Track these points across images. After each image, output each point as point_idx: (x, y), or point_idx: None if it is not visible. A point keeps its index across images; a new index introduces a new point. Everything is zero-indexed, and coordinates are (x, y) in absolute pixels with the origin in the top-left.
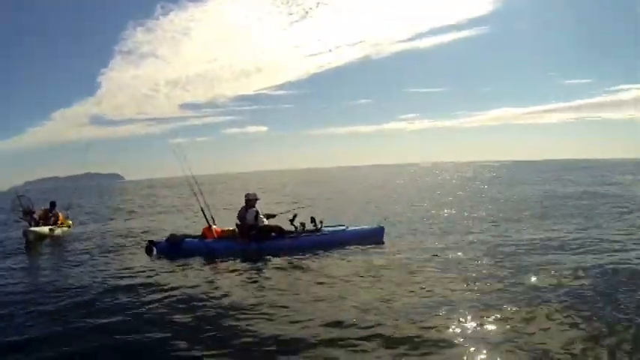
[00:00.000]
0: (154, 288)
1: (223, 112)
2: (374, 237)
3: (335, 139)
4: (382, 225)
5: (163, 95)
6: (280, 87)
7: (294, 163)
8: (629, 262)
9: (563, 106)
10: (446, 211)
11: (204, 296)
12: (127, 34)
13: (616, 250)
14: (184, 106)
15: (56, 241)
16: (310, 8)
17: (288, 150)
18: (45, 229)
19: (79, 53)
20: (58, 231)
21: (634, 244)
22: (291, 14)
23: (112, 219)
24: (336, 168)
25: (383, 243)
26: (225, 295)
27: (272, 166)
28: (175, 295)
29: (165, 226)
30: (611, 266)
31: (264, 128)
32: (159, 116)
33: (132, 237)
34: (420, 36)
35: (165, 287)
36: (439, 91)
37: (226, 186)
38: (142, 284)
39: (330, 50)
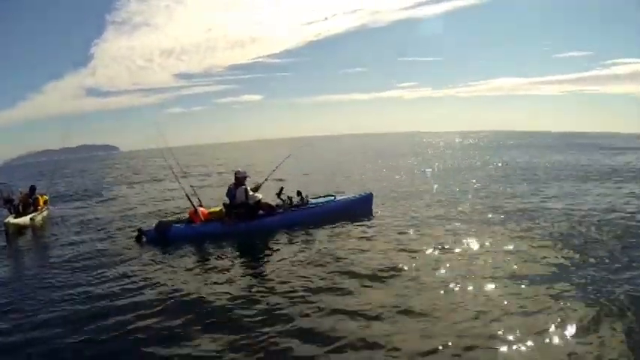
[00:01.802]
0: (143, 282)
1: (218, 82)
2: (363, 204)
3: (331, 106)
4: (370, 192)
5: (158, 65)
6: (276, 55)
7: (289, 132)
8: None
9: (561, 79)
10: (436, 181)
11: (193, 286)
12: (120, 4)
13: None
14: (179, 76)
15: (36, 231)
16: None
17: (283, 118)
18: (26, 219)
19: (71, 24)
20: (38, 218)
21: None
22: None
23: (98, 196)
24: (332, 136)
25: (371, 210)
26: (214, 284)
27: (267, 135)
28: (165, 289)
29: (158, 200)
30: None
31: (258, 97)
32: (154, 86)
33: (119, 221)
34: (418, 4)
35: (155, 281)
36: (437, 61)
37: (217, 155)
38: (131, 278)
39: (326, 18)
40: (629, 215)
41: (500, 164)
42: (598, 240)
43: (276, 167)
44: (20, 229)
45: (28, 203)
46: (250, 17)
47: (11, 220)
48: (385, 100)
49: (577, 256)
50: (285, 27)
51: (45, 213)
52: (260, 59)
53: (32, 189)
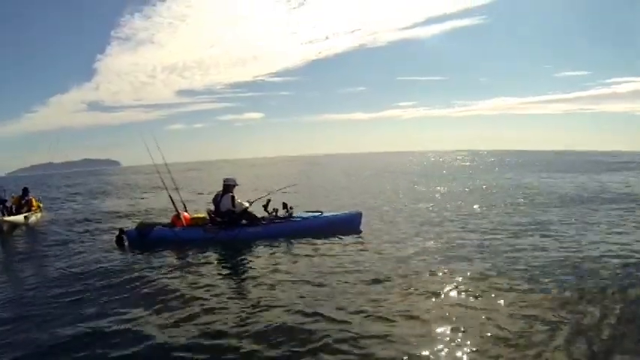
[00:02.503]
0: (121, 281)
1: (220, 99)
2: (351, 223)
3: (331, 125)
4: (360, 211)
5: (160, 81)
6: (276, 74)
7: (289, 150)
8: None
9: (559, 98)
10: (431, 201)
11: (169, 289)
12: (124, 21)
13: None
14: (181, 93)
15: (30, 230)
16: None
17: (284, 136)
18: (20, 217)
19: (76, 39)
20: (32, 218)
21: None
22: (288, 1)
23: (91, 202)
24: (332, 155)
25: (359, 229)
26: (189, 288)
27: (268, 153)
28: (140, 290)
29: (144, 208)
30: None
31: (260, 115)
32: (156, 102)
33: (106, 223)
34: (417, 25)
35: (132, 280)
36: (435, 80)
37: (215, 172)
38: (110, 277)
39: (327, 37)
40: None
41: (504, 187)
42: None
43: (271, 192)
44: (14, 227)
45: (21, 204)
46: (252, 35)
47: (5, 217)
48: (384, 119)
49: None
50: (285, 45)
51: (39, 215)
52: (261, 77)
53: (25, 191)
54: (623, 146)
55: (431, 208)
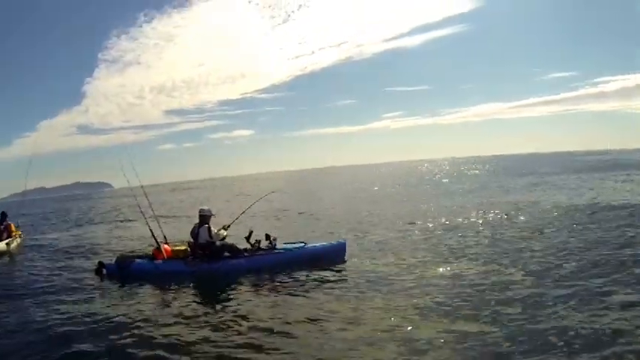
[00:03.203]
0: (97, 318)
1: (209, 117)
2: (335, 253)
3: (320, 140)
4: (344, 240)
5: (149, 102)
6: (264, 90)
7: (280, 166)
8: None
9: (546, 100)
10: (419, 219)
11: (147, 327)
12: (111, 43)
13: None
14: (170, 113)
15: (10, 258)
16: (292, 11)
17: (274, 153)
18: (2, 244)
19: (63, 63)
20: (13, 244)
21: None
22: (273, 17)
23: (75, 229)
24: (321, 169)
25: (345, 260)
26: (167, 327)
27: (259, 169)
28: (117, 327)
29: (128, 236)
30: None
31: (249, 132)
32: (145, 123)
33: (86, 253)
34: (401, 35)
35: (109, 317)
36: (422, 89)
37: (205, 192)
38: (87, 313)
39: (313, 52)
40: None
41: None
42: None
43: (244, 211)
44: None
45: (1, 230)
46: (240, 53)
47: None
48: (372, 130)
49: None
50: (272, 62)
51: (19, 240)
52: (249, 94)
53: (3, 215)
54: (612, 144)
55: (419, 228)
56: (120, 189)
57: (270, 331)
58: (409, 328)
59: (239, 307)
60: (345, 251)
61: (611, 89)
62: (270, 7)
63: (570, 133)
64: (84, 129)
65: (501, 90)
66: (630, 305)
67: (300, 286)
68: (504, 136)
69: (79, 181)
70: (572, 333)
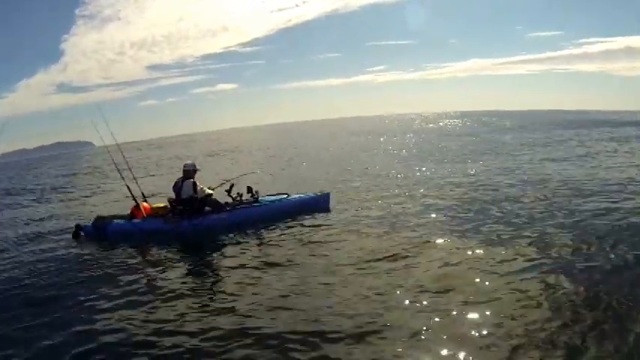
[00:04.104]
0: (74, 283)
1: (192, 72)
2: (319, 204)
3: (304, 92)
4: (328, 192)
5: (129, 58)
6: (248, 44)
7: (264, 119)
8: None
9: (531, 58)
10: (400, 169)
11: (126, 287)
12: None
13: None
14: (152, 68)
15: None
16: None
17: (259, 106)
18: None
19: (39, 20)
20: None
21: None
22: None
23: (49, 193)
24: (306, 122)
25: (329, 210)
26: (148, 285)
27: (245, 123)
28: (94, 293)
29: (108, 197)
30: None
31: (233, 86)
32: (126, 79)
33: (64, 217)
34: None
35: (86, 282)
36: (407, 44)
37: (191, 146)
38: (64, 279)
39: (297, 5)
40: None
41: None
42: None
43: (236, 177)
44: None
45: None
46: (220, 6)
47: None
48: (357, 84)
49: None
50: (254, 15)
51: None
52: (232, 48)
53: None
54: (594, 105)
55: (402, 176)
56: (100, 147)
57: (254, 289)
58: (397, 280)
59: (221, 265)
60: (329, 202)
61: (595, 51)
62: None
63: (553, 92)
64: (63, 87)
65: (486, 47)
66: None
67: (285, 239)
68: (489, 93)
69: (60, 141)
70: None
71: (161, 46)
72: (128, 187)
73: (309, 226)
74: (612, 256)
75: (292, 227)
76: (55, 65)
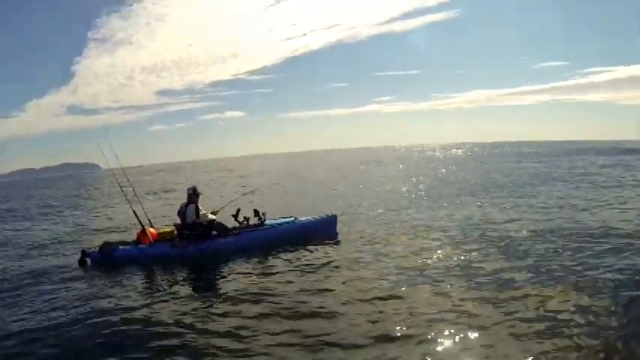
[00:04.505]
0: (84, 310)
1: (200, 98)
2: (326, 227)
3: (311, 122)
4: (334, 214)
5: (139, 82)
6: (256, 72)
7: (271, 147)
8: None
9: (537, 89)
10: (404, 194)
11: (135, 317)
12: (101, 22)
13: None
14: (161, 93)
15: None
16: None
17: (265, 134)
18: None
19: (52, 42)
20: None
21: None
22: None
23: (58, 216)
24: (311, 151)
25: (336, 233)
26: (154, 314)
27: (250, 151)
28: (105, 315)
29: (113, 221)
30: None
31: (241, 113)
32: (135, 104)
33: (69, 242)
34: (394, 20)
35: (96, 309)
36: (413, 74)
37: (196, 173)
38: (73, 306)
39: (305, 34)
40: None
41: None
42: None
43: (236, 198)
44: None
45: None
46: (230, 33)
47: None
48: (365, 114)
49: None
50: (263, 43)
51: None
52: (240, 75)
53: None
54: (601, 135)
55: (399, 202)
56: (106, 170)
57: (262, 313)
58: (402, 304)
59: (228, 288)
60: (336, 225)
61: (601, 80)
62: None
63: (559, 122)
64: (73, 109)
65: (492, 77)
66: None
67: (291, 262)
68: (495, 124)
69: (67, 161)
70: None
71: (171, 72)
72: (134, 212)
73: (316, 250)
74: None
75: (299, 251)
76: (66, 87)
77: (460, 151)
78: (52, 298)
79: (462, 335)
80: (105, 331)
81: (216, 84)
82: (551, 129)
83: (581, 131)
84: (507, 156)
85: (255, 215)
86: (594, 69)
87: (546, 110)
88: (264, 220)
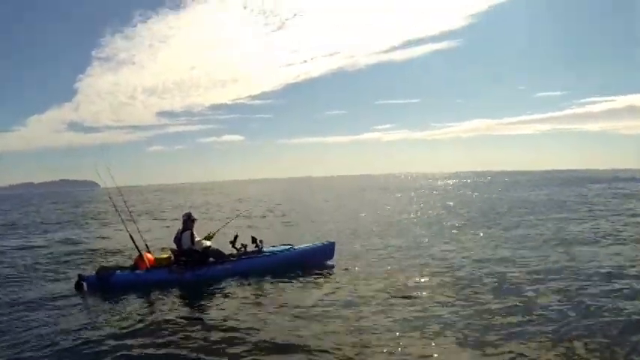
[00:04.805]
0: (81, 336)
1: (200, 121)
2: (324, 254)
3: (310, 149)
4: (332, 241)
5: (140, 103)
6: (256, 97)
7: (269, 172)
8: None
9: (535, 118)
10: (403, 222)
11: (132, 343)
12: (105, 41)
13: None
14: (161, 114)
15: None
16: (287, 19)
17: (264, 160)
18: None
19: (56, 59)
20: None
21: None
22: (267, 25)
23: (54, 235)
24: (310, 178)
25: (334, 259)
26: (152, 341)
27: (248, 176)
28: (101, 346)
29: (111, 243)
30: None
31: (240, 137)
32: (136, 124)
33: (65, 264)
34: (394, 48)
35: (93, 335)
36: (413, 103)
37: (194, 195)
38: (69, 331)
39: (305, 61)
40: None
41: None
42: None
43: (230, 220)
44: None
45: None
46: (232, 58)
47: None
48: (364, 142)
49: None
50: (264, 69)
51: None
52: (240, 100)
53: None
54: (599, 164)
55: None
56: (104, 189)
57: (260, 340)
58: (403, 331)
59: (226, 315)
60: (333, 251)
61: (598, 110)
62: (264, 13)
63: (559, 151)
64: (74, 126)
65: (491, 107)
66: None
67: (290, 289)
68: (494, 153)
69: (66, 178)
70: None
71: (172, 93)
72: (131, 237)
73: (314, 278)
74: None
75: (297, 279)
76: (69, 103)
77: (457, 180)
78: (48, 324)
79: None
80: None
81: (216, 107)
82: (552, 158)
83: (582, 160)
84: (508, 185)
85: (253, 242)
86: (592, 99)
87: (546, 140)
88: (262, 247)
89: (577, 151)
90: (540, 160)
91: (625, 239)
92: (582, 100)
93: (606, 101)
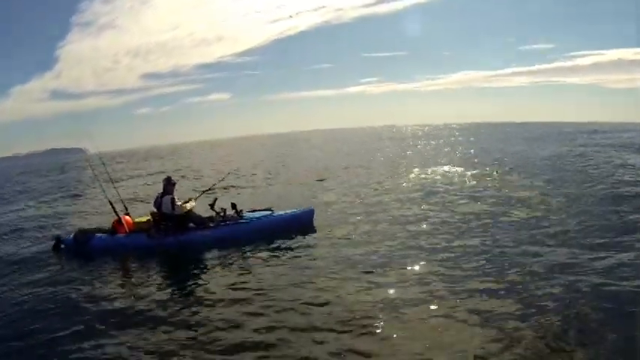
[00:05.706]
0: (57, 299)
1: (185, 81)
2: (303, 220)
3: (297, 103)
4: (311, 207)
5: (124, 66)
6: (242, 54)
7: (257, 129)
8: None
9: (523, 71)
10: (386, 181)
11: (109, 309)
12: (85, 6)
13: None
14: (146, 77)
15: None
16: None
17: (251, 116)
18: None
19: (35, 28)
20: None
21: None
22: None
23: (29, 200)
24: (299, 132)
25: (313, 226)
26: (129, 304)
27: (236, 133)
28: (77, 309)
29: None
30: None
31: (227, 95)
32: (120, 87)
33: (44, 228)
34: (380, 2)
35: (69, 299)
36: (399, 55)
37: (181, 156)
38: (45, 294)
39: (291, 16)
40: None
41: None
42: None
43: (215, 184)
44: None
45: None
46: (215, 16)
47: None
48: (350, 95)
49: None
50: (249, 25)
51: None
52: (226, 58)
53: None
54: (583, 117)
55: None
56: (92, 154)
57: (239, 306)
58: (380, 296)
59: (205, 282)
60: (312, 218)
61: (586, 64)
62: None
63: (545, 104)
64: (57, 94)
65: (478, 59)
66: None
67: (269, 256)
68: (481, 105)
69: (53, 147)
70: None
71: (156, 55)
72: (110, 202)
73: (292, 243)
74: None
75: (275, 244)
76: (50, 72)
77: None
78: (25, 284)
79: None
80: (77, 319)
81: (201, 66)
82: (539, 110)
83: (571, 113)
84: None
85: (233, 208)
86: (579, 52)
87: (532, 92)
88: (242, 213)
89: (565, 104)
90: (528, 112)
91: None
92: (571, 54)
93: (594, 54)
